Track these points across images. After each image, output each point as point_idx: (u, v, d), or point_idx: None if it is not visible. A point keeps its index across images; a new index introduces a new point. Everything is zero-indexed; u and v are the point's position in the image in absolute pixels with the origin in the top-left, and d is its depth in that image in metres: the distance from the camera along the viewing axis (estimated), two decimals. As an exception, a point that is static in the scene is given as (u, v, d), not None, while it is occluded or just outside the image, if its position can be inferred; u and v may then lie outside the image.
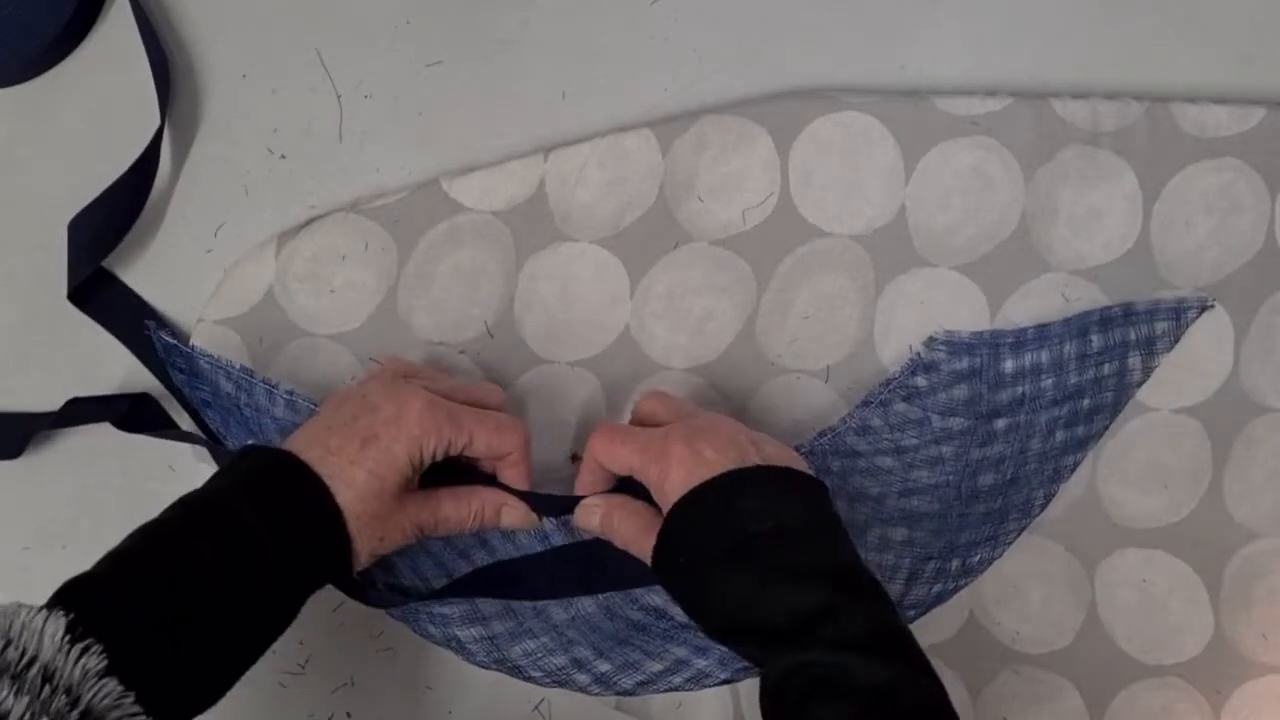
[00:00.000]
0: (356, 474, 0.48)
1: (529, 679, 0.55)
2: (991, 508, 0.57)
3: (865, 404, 0.58)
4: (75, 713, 0.38)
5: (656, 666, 0.55)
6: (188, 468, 0.60)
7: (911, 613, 0.57)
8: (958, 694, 0.60)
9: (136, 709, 0.40)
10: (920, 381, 0.57)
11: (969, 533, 0.57)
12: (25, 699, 0.36)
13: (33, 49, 0.60)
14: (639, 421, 0.54)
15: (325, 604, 0.60)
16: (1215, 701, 0.61)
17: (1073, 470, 0.59)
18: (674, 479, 0.48)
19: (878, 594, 0.46)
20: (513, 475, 0.53)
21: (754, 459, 0.48)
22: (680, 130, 0.59)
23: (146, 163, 0.59)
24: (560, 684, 0.56)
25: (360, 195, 0.60)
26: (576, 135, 0.60)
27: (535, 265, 0.59)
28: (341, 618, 0.60)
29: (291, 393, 0.54)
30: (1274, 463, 0.61)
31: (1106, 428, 0.59)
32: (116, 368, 0.61)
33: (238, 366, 0.55)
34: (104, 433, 0.61)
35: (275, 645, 0.61)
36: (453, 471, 0.52)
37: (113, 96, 0.62)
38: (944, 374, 0.57)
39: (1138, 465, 0.60)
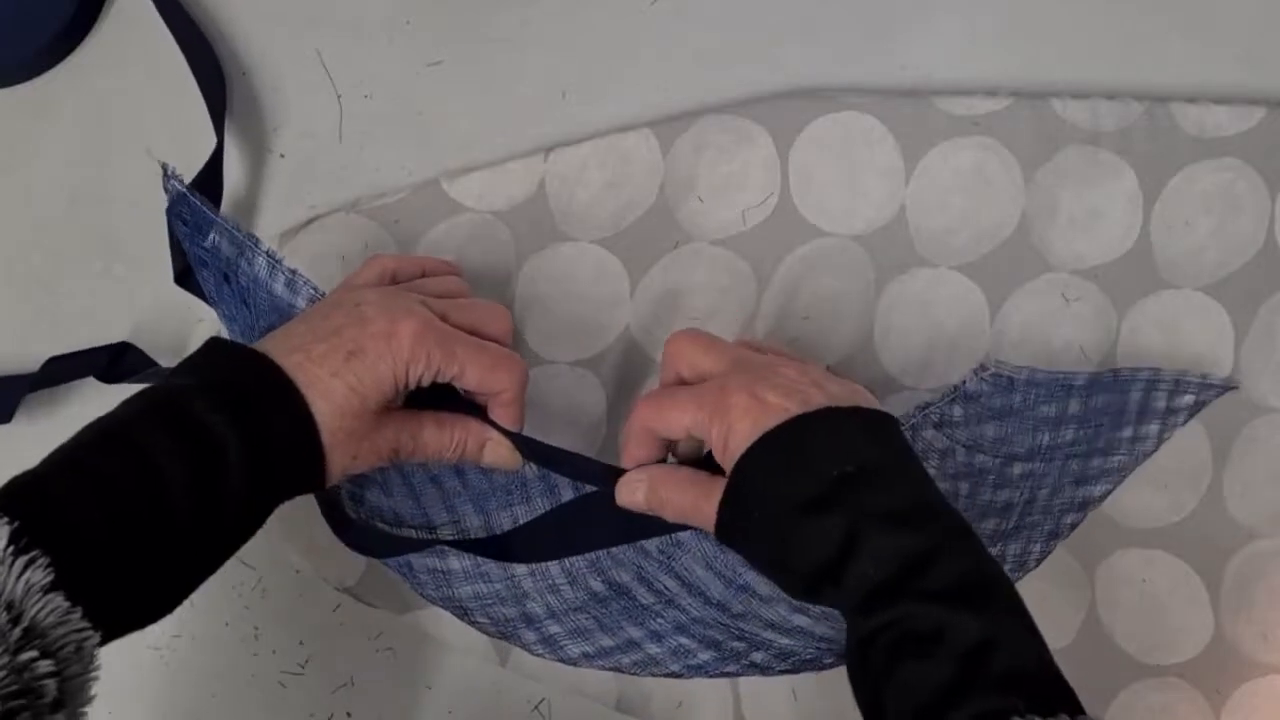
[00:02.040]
0: (336, 387, 0.45)
1: (474, 623, 0.55)
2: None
3: None
4: (17, 629, 0.36)
5: (606, 641, 0.55)
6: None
7: None
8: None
9: (84, 624, 0.37)
10: (957, 412, 0.54)
11: None
12: None
13: (33, 49, 0.60)
14: (671, 368, 0.51)
15: (325, 604, 0.60)
16: (1215, 701, 0.60)
17: (1071, 530, 0.58)
18: (739, 431, 0.44)
19: (967, 535, 0.43)
20: (503, 414, 0.50)
21: (819, 400, 0.45)
22: (680, 130, 0.59)
23: (218, 137, 0.59)
24: (504, 635, 0.55)
25: (360, 195, 0.60)
26: (576, 135, 0.60)
27: (535, 265, 0.59)
28: (341, 618, 0.60)
29: (295, 271, 0.51)
30: (1274, 463, 0.61)
31: (1107, 495, 0.59)
32: (116, 368, 0.61)
33: (243, 232, 0.51)
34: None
35: (275, 645, 0.61)
36: (443, 397, 0.50)
37: (113, 96, 0.62)
38: (981, 407, 0.54)
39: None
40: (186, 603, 0.61)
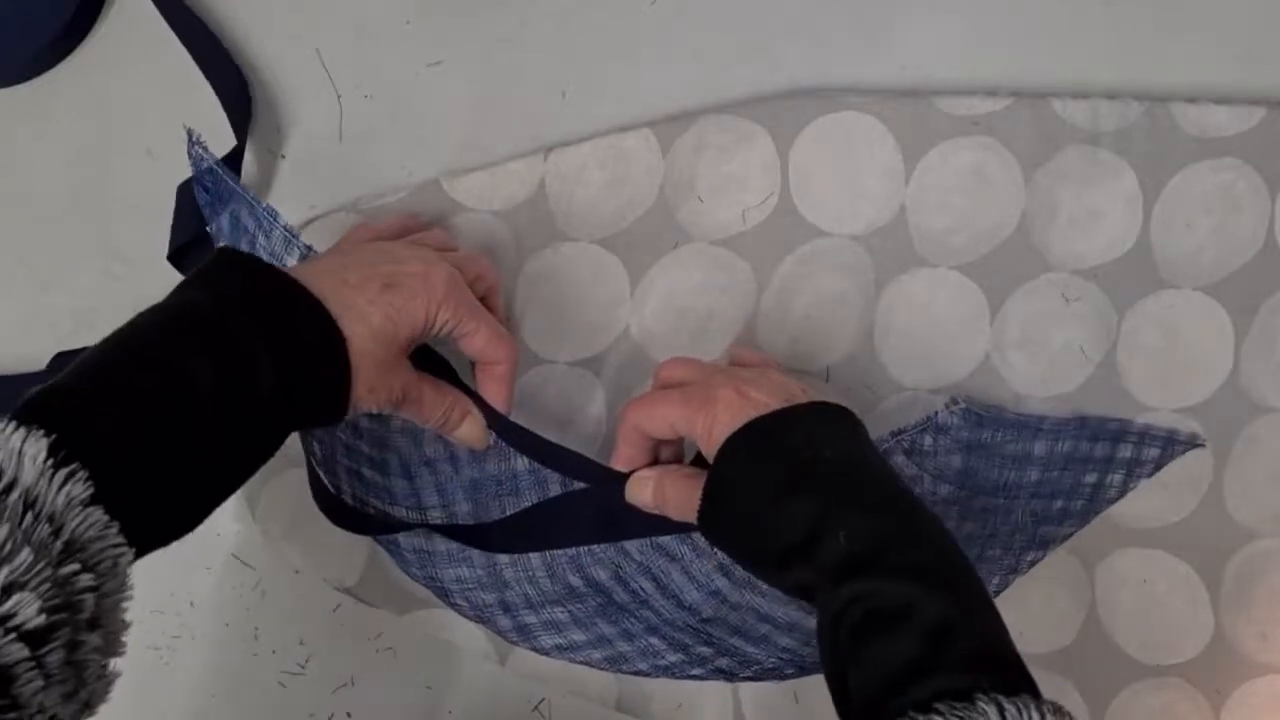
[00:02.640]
0: (373, 313, 0.45)
1: (453, 605, 0.56)
2: None
3: None
4: (59, 542, 0.35)
5: (579, 636, 0.56)
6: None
7: None
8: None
9: (120, 539, 0.37)
10: (928, 441, 0.56)
11: None
12: (5, 526, 0.34)
13: (33, 49, 0.60)
14: (662, 382, 0.53)
15: (325, 604, 0.60)
16: (1215, 701, 0.60)
17: (1030, 567, 0.59)
18: (723, 421, 0.46)
19: (935, 523, 0.44)
20: (494, 390, 0.51)
21: (803, 399, 0.47)
22: (680, 130, 0.59)
23: (241, 131, 0.59)
24: (482, 620, 0.56)
25: (360, 195, 0.60)
26: (576, 135, 0.60)
27: (535, 265, 0.59)
28: (341, 618, 0.60)
29: (310, 247, 0.52)
30: (1274, 463, 0.61)
31: (1069, 536, 0.59)
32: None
33: (264, 205, 0.52)
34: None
35: (275, 645, 0.61)
36: (433, 366, 0.51)
37: (113, 96, 0.62)
38: (950, 439, 0.56)
39: (1138, 465, 0.61)
40: (186, 603, 0.61)
